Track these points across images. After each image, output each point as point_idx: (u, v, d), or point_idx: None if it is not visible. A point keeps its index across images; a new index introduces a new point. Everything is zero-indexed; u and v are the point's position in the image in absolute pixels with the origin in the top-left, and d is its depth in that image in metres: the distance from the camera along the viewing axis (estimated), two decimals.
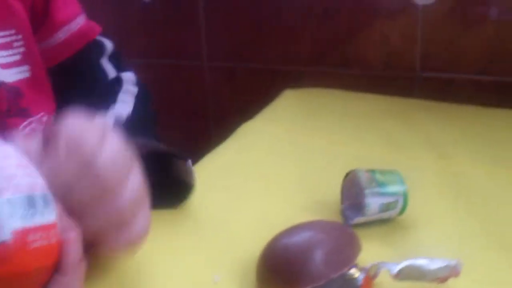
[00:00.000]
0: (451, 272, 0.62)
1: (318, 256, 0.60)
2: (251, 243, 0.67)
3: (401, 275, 0.61)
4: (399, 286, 0.63)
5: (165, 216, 0.77)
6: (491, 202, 0.86)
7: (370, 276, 0.61)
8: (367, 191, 0.76)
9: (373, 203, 0.76)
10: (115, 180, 0.48)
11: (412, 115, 1.23)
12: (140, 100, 0.80)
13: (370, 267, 0.61)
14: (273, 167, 0.97)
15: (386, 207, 0.77)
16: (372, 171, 0.79)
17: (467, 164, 0.99)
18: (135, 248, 0.53)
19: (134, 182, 0.51)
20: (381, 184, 0.77)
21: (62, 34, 0.79)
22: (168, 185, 0.72)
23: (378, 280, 0.62)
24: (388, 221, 0.78)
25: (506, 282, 0.67)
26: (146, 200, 0.53)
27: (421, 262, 0.61)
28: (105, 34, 0.87)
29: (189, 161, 0.73)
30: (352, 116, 1.23)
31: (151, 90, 0.84)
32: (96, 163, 0.48)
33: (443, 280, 0.62)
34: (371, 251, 0.65)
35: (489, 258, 0.71)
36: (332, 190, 0.82)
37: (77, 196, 0.48)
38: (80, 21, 0.82)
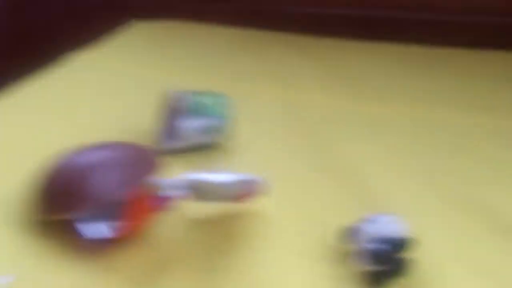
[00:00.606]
0: (252, 188, 0.57)
1: (103, 175, 0.55)
2: (39, 163, 0.60)
3: (193, 193, 0.55)
4: (203, 209, 0.59)
5: None
6: (326, 131, 0.83)
7: (150, 193, 0.55)
8: (182, 112, 0.70)
9: (189, 126, 0.70)
10: None
11: (270, 49, 1.19)
12: None
13: (151, 184, 0.55)
14: (93, 97, 0.90)
15: (205, 130, 0.71)
16: (192, 92, 0.73)
17: (311, 94, 0.96)
18: None
19: None
20: (200, 106, 0.71)
21: None
22: None
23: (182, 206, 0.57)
24: (210, 146, 0.73)
25: (315, 203, 0.64)
26: None
27: (211, 176, 0.55)
28: None
29: None
30: (201, 49, 1.16)
31: None
32: None
33: (244, 198, 0.58)
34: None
35: (308, 180, 0.69)
36: (152, 116, 0.76)
37: None
38: None
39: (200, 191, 0.55)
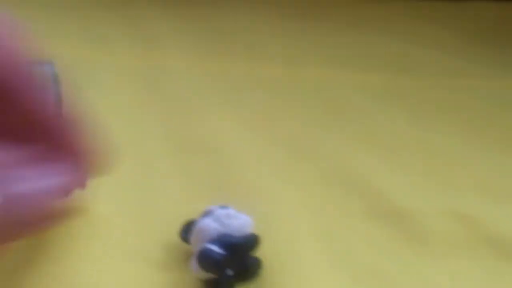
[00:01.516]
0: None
1: None
2: None
3: None
4: None
5: None
6: (189, 99, 0.71)
7: None
8: None
9: None
10: None
11: (128, 4, 1.03)
12: None
13: None
14: None
15: None
16: None
17: (177, 57, 0.84)
18: None
19: None
20: None
21: None
22: None
23: None
24: None
25: (159, 192, 0.52)
26: None
27: None
28: None
29: None
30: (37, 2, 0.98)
31: None
32: None
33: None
34: None
35: (150, 159, 0.57)
36: None
37: None
38: None
39: None
